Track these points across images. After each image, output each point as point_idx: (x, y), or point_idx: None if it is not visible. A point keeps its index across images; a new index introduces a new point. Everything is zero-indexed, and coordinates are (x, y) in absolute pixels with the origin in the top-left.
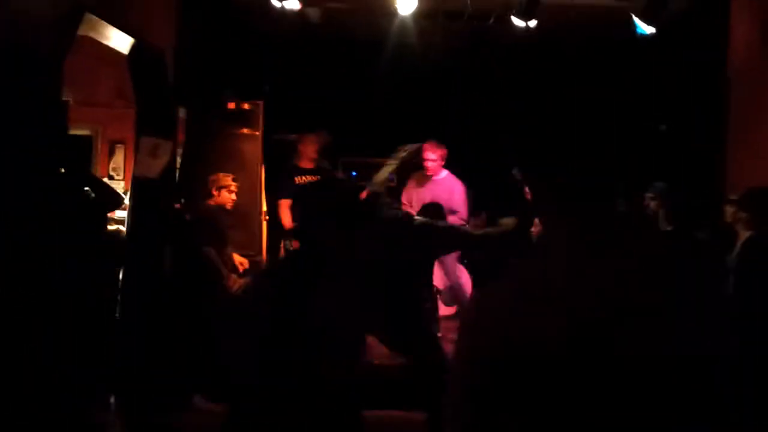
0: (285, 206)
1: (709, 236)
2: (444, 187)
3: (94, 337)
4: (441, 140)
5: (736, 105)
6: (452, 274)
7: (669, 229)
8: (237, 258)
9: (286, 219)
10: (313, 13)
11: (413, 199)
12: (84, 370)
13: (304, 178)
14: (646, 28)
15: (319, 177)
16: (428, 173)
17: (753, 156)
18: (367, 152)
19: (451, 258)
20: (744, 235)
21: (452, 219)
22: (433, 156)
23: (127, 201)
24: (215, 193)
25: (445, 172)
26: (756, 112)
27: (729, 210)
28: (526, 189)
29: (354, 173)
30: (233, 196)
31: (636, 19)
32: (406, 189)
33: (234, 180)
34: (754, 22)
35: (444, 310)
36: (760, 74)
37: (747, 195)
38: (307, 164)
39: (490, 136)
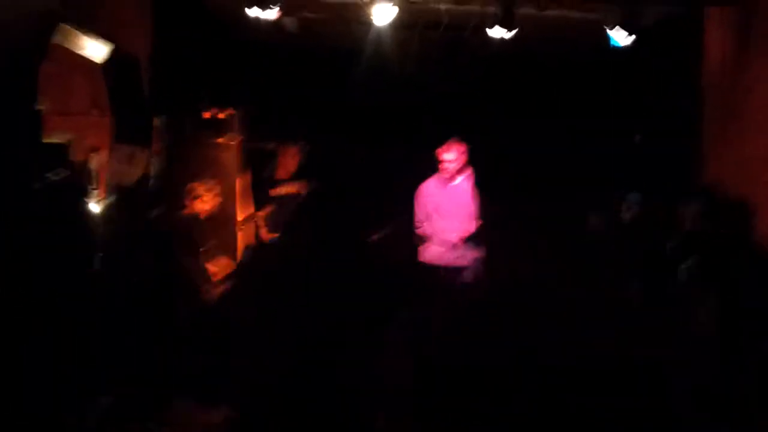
0: (259, 219)
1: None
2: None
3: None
4: (418, 149)
5: (710, 114)
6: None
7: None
8: (211, 267)
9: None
10: (290, 22)
11: (429, 209)
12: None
13: (280, 189)
14: (621, 40)
15: (296, 189)
16: (445, 176)
17: (730, 164)
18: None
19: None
20: None
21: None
22: (450, 157)
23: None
24: (188, 203)
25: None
26: (731, 120)
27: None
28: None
29: None
30: (206, 206)
31: (609, 32)
32: (419, 198)
33: (207, 189)
34: (728, 32)
35: None
36: (734, 83)
37: None
38: (283, 176)
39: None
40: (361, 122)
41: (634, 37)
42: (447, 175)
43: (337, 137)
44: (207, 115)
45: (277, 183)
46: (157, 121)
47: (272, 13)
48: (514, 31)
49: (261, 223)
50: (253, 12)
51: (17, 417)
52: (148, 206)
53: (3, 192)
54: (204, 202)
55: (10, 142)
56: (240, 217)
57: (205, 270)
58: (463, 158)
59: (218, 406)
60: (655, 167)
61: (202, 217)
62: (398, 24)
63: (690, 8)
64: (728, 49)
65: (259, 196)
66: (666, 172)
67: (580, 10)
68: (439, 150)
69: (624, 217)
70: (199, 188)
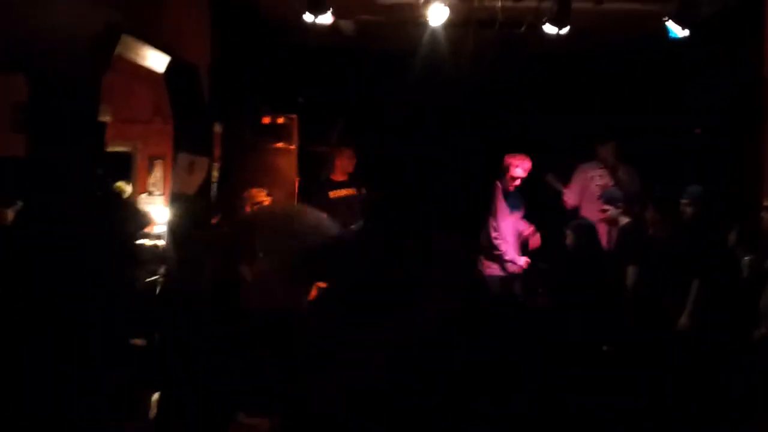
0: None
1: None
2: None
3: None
4: (477, 150)
5: None
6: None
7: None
8: None
9: None
10: (346, 25)
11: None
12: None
13: (339, 192)
14: (678, 32)
15: (354, 190)
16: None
17: None
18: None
19: None
20: None
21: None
22: (520, 173)
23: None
24: (249, 209)
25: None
26: None
27: (766, 217)
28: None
29: None
30: None
31: (668, 23)
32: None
33: (268, 195)
34: None
35: None
36: None
37: None
38: (341, 177)
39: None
40: (417, 124)
41: (691, 28)
42: (511, 189)
43: (393, 139)
44: (266, 120)
45: (335, 185)
46: (217, 128)
47: (327, 17)
48: (568, 27)
49: None
50: (309, 17)
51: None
52: (210, 213)
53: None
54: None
55: (76, 151)
56: None
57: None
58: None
59: (267, 416)
60: (715, 162)
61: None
62: (453, 23)
63: None
64: None
65: (317, 199)
66: (726, 167)
67: (637, 1)
68: (509, 161)
69: (686, 212)
70: (260, 194)
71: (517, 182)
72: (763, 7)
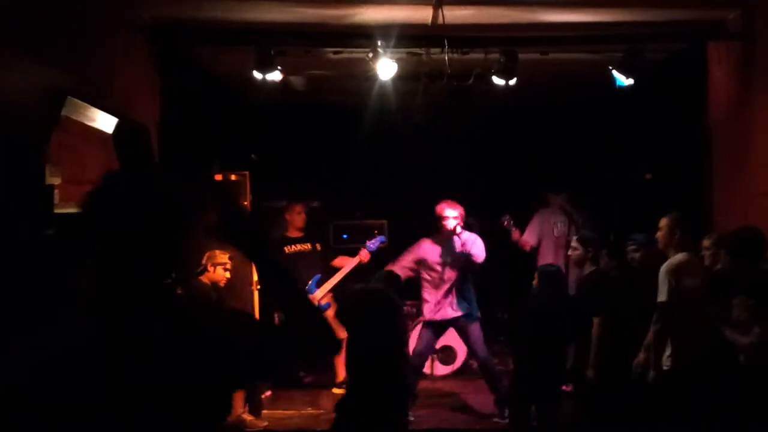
0: None
1: None
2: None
3: None
4: (426, 199)
5: (717, 151)
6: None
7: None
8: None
9: None
10: (297, 81)
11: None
12: None
13: (294, 247)
14: (624, 80)
15: (308, 246)
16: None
17: (739, 204)
18: (356, 215)
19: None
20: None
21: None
22: (454, 213)
23: None
24: (210, 269)
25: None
26: (739, 160)
27: (706, 255)
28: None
29: (345, 236)
30: (227, 274)
31: (614, 72)
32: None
33: (231, 258)
34: (732, 71)
35: (440, 369)
36: (740, 120)
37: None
38: (295, 233)
39: (475, 192)
40: (370, 175)
41: (637, 76)
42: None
43: (346, 192)
44: (218, 177)
45: (289, 241)
46: None
47: (276, 75)
48: (515, 78)
49: None
50: (257, 74)
51: None
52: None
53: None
54: (227, 270)
55: (22, 214)
56: (256, 278)
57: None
58: (462, 216)
59: None
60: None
61: (222, 284)
62: (402, 76)
63: (692, 45)
64: (732, 86)
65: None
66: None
67: (582, 52)
68: (439, 208)
69: (632, 258)
70: (223, 256)
71: (452, 227)
72: (705, 57)
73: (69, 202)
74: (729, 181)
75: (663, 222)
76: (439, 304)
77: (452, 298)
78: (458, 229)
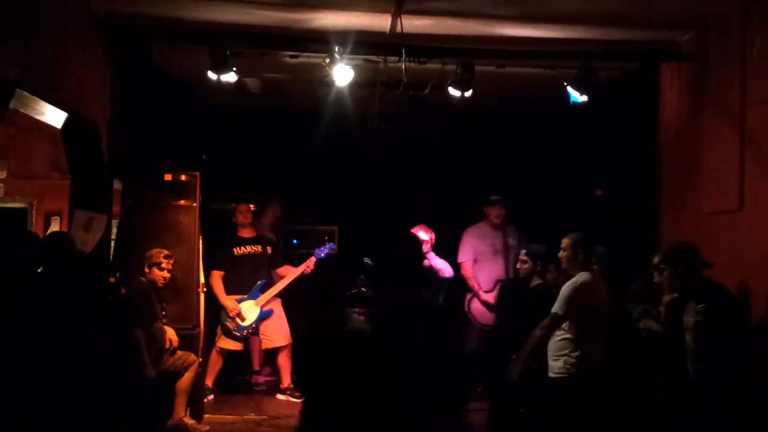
0: (217, 277)
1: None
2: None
3: None
4: (377, 208)
5: (667, 170)
6: None
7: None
8: (169, 333)
9: (219, 290)
10: (252, 83)
11: None
12: None
13: (243, 249)
14: (578, 97)
15: (259, 248)
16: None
17: (684, 221)
18: (306, 220)
19: None
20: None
21: None
22: (425, 237)
23: None
24: (147, 269)
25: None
26: (688, 179)
27: (655, 274)
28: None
29: (294, 241)
30: (165, 273)
31: (568, 88)
32: None
33: (166, 257)
34: (683, 91)
35: None
36: (690, 139)
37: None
38: (246, 234)
39: (428, 201)
40: (322, 181)
41: (590, 93)
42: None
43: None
44: (168, 177)
45: (240, 242)
46: (117, 185)
47: (231, 76)
48: (471, 90)
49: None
50: (212, 75)
51: None
52: (106, 273)
53: None
54: (164, 269)
55: None
56: (202, 280)
57: (162, 336)
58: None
59: None
60: (615, 224)
61: (161, 284)
62: (359, 84)
63: (644, 64)
64: (683, 106)
65: (221, 255)
66: (625, 228)
67: (538, 67)
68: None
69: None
70: (159, 255)
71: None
72: (658, 76)
73: (14, 196)
74: (678, 200)
75: (566, 242)
76: None
77: None
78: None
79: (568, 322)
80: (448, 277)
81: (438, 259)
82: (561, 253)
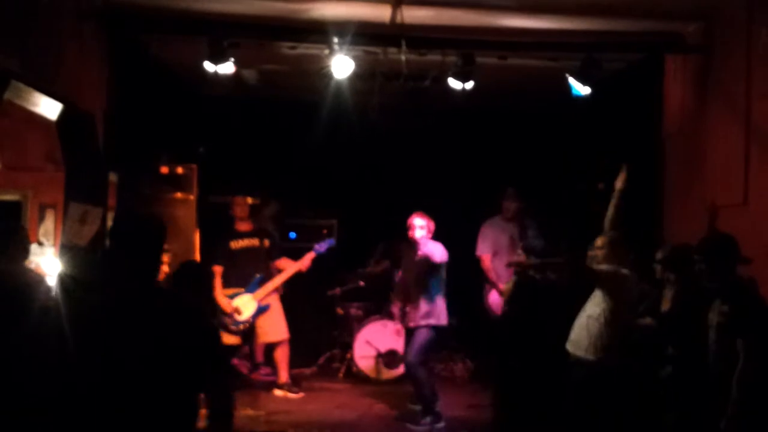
0: (217, 273)
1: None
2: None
3: None
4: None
5: (671, 163)
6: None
7: None
8: None
9: (216, 287)
10: (250, 75)
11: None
12: None
13: (240, 242)
14: (581, 89)
15: (257, 241)
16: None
17: (689, 215)
18: (304, 213)
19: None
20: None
21: None
22: (421, 223)
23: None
24: None
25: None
26: (692, 172)
27: (658, 269)
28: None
29: (293, 235)
30: (164, 267)
31: (571, 80)
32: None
33: (165, 251)
34: (688, 84)
35: (385, 373)
36: (694, 132)
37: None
38: (244, 227)
39: (429, 194)
40: (321, 174)
41: (594, 85)
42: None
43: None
44: (165, 170)
45: (237, 235)
46: (113, 177)
47: (229, 67)
48: (472, 82)
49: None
50: (209, 66)
51: None
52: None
53: None
54: (163, 263)
55: None
56: None
57: None
58: (431, 227)
59: None
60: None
61: (160, 278)
62: (358, 75)
63: (649, 56)
64: (688, 98)
65: (218, 249)
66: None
67: (540, 59)
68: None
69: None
70: None
71: (416, 236)
72: (662, 67)
73: (8, 188)
74: (682, 193)
75: (601, 240)
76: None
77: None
78: (419, 236)
79: (608, 307)
80: (441, 261)
81: (430, 244)
82: (597, 251)
